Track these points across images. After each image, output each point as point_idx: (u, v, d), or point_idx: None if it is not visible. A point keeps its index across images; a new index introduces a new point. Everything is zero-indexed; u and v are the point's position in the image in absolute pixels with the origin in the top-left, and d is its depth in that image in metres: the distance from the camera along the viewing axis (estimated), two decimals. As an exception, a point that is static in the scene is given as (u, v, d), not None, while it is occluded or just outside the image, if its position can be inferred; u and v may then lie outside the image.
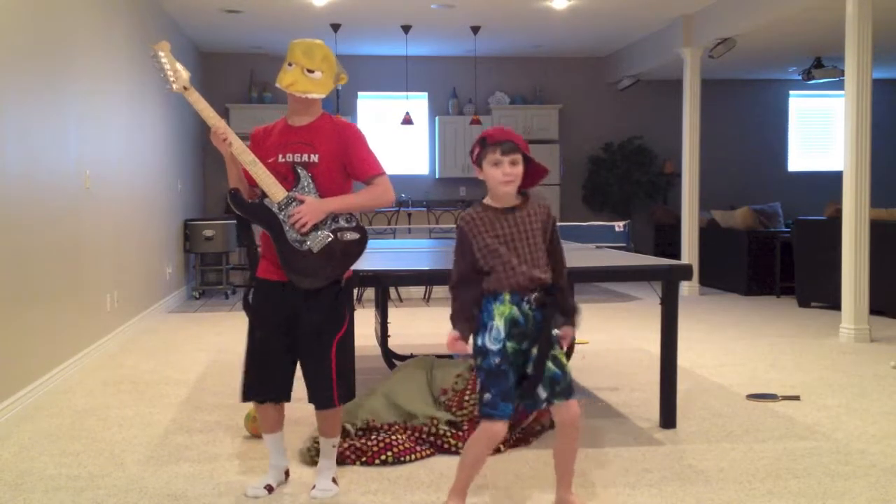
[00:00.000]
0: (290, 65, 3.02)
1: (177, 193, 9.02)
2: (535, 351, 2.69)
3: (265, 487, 3.11)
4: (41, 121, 4.83)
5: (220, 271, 9.66)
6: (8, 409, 4.17)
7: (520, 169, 2.72)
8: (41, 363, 4.73)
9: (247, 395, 3.08)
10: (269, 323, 3.04)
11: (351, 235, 3.02)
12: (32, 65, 4.73)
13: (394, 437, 3.55)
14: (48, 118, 4.95)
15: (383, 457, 3.44)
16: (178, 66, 2.98)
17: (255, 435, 3.81)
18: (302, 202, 2.96)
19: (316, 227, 2.97)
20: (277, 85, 3.02)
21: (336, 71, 3.08)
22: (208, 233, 9.22)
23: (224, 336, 6.67)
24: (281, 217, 2.97)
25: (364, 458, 3.43)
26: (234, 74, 11.04)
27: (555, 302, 2.75)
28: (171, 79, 2.96)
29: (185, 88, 2.98)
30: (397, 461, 3.44)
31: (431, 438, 3.61)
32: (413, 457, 3.49)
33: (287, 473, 3.25)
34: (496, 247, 2.69)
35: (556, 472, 2.86)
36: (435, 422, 3.67)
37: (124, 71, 6.80)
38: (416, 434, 3.62)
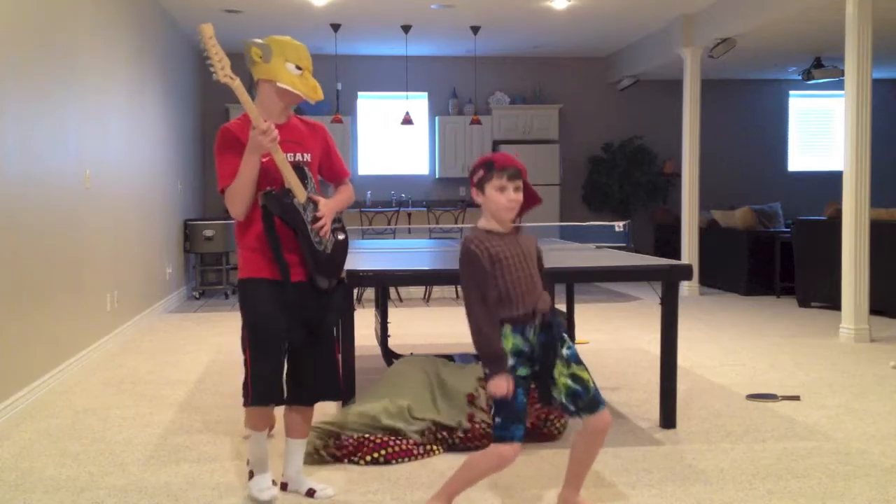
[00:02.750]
0: (298, 68, 2.97)
1: (177, 193, 9.02)
2: (551, 371, 2.72)
3: (273, 482, 3.08)
4: (41, 121, 4.83)
5: (220, 271, 9.66)
6: (8, 409, 4.17)
7: (521, 196, 2.71)
8: (41, 363, 4.73)
9: (262, 399, 2.97)
10: (275, 325, 2.95)
11: (341, 235, 3.09)
12: (32, 65, 4.73)
13: (388, 439, 3.55)
14: (48, 118, 4.95)
15: (375, 454, 3.45)
16: (223, 53, 2.85)
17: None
18: (316, 203, 2.96)
19: None
20: (291, 88, 2.92)
21: None
22: (208, 233, 9.22)
23: (224, 336, 6.66)
24: (304, 217, 2.94)
25: (358, 454, 3.45)
26: (235, 74, 11.01)
27: (559, 323, 2.77)
28: (219, 66, 2.84)
29: (231, 78, 2.86)
30: (387, 462, 3.45)
31: (426, 447, 3.61)
32: (405, 459, 3.49)
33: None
34: (496, 265, 2.65)
35: (569, 473, 2.86)
36: (434, 428, 3.67)
37: (124, 71, 6.80)
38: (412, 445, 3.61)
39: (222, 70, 2.84)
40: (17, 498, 3.13)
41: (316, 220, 2.95)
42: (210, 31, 2.80)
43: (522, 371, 2.67)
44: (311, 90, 2.99)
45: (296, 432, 3.11)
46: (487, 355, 2.62)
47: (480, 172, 2.74)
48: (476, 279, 2.65)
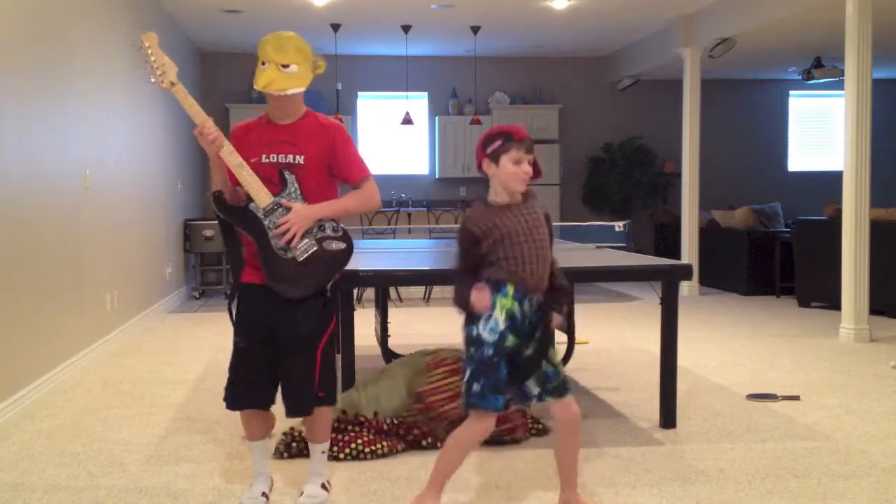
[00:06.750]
0: (263, 63, 2.88)
1: (177, 193, 9.03)
2: (525, 350, 2.69)
3: (262, 495, 3.01)
4: (41, 121, 4.83)
5: (220, 271, 9.66)
6: (8, 409, 4.17)
7: (531, 170, 2.74)
8: (41, 363, 4.73)
9: (234, 404, 2.96)
10: (254, 329, 2.92)
11: (337, 245, 2.90)
12: (32, 65, 4.73)
13: (359, 431, 3.58)
14: (48, 118, 4.95)
15: (347, 450, 3.48)
16: (166, 59, 2.83)
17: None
18: (288, 209, 2.84)
19: (302, 235, 2.86)
20: (255, 87, 2.89)
21: (312, 59, 2.94)
22: (208, 233, 9.22)
23: (224, 336, 6.66)
24: (266, 223, 2.85)
25: (335, 448, 3.46)
26: (234, 74, 11.04)
27: (553, 301, 2.76)
28: (158, 73, 2.81)
29: (173, 84, 2.83)
30: (358, 456, 3.47)
31: (400, 431, 3.63)
32: (377, 448, 3.51)
33: (271, 480, 3.15)
34: (504, 239, 2.66)
35: (560, 472, 2.86)
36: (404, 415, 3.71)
37: (124, 71, 6.80)
38: (387, 424, 3.63)
39: (161, 76, 2.83)
40: (17, 498, 3.13)
41: (279, 226, 2.83)
42: (154, 40, 2.82)
43: (510, 340, 2.66)
44: (263, 84, 2.85)
45: (309, 436, 3.08)
46: (463, 297, 2.67)
47: (498, 142, 2.71)
48: (465, 257, 2.71)
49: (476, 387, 2.66)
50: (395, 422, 3.66)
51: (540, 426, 3.83)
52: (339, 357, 3.51)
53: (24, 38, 4.61)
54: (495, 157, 2.71)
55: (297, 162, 2.91)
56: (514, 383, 2.70)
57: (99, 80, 6.06)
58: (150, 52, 2.81)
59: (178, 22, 9.12)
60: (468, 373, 2.69)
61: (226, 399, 2.97)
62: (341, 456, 3.47)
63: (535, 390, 2.71)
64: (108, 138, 6.28)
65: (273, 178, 2.89)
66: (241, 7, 8.53)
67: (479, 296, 2.63)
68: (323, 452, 3.08)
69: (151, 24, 7.95)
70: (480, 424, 2.70)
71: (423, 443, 3.62)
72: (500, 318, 2.66)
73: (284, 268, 2.85)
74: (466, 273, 2.71)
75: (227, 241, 3.01)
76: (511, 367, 2.69)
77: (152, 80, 2.85)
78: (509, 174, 2.70)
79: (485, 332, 2.66)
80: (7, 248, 4.27)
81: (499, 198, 2.74)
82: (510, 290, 2.67)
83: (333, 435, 3.50)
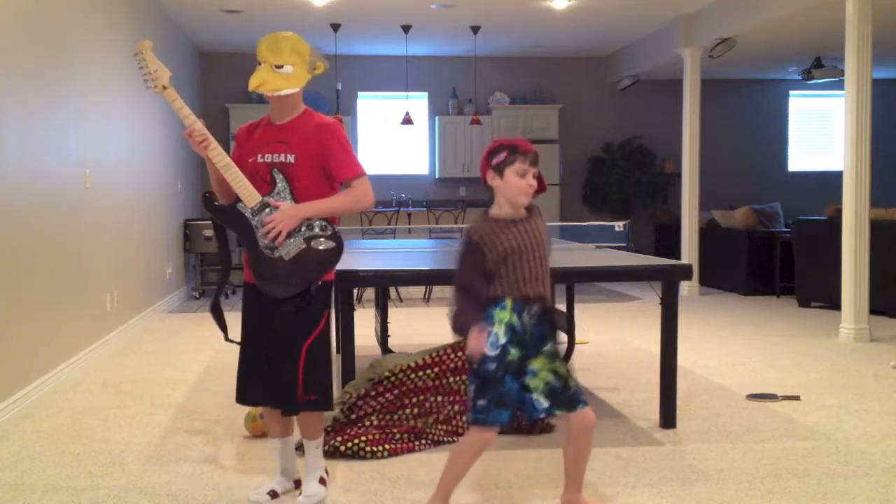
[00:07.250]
0: (259, 64, 2.90)
1: (177, 193, 9.03)
2: (532, 363, 2.68)
3: (269, 493, 3.04)
4: (41, 121, 4.83)
5: (220, 271, 9.64)
6: (8, 409, 4.17)
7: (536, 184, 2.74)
8: (41, 363, 4.73)
9: (238, 398, 3.05)
10: (249, 329, 2.98)
11: (326, 244, 2.89)
12: (32, 65, 4.73)
13: (367, 429, 3.59)
14: (48, 118, 4.95)
15: (350, 444, 3.49)
16: (159, 65, 2.87)
17: (256, 435, 3.81)
18: (275, 208, 2.86)
19: (289, 234, 2.86)
20: (249, 87, 2.90)
21: (309, 60, 2.94)
22: (208, 233, 9.22)
23: (224, 336, 6.66)
24: (253, 222, 2.87)
25: (339, 438, 3.48)
26: (234, 74, 11.04)
27: (553, 314, 2.76)
28: (150, 78, 2.86)
29: (165, 87, 2.87)
30: (358, 453, 3.48)
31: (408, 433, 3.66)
32: (377, 449, 3.51)
33: (298, 483, 3.14)
34: (508, 257, 2.65)
35: (566, 475, 2.85)
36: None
37: (124, 71, 6.79)
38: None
39: (154, 82, 2.87)
40: (17, 498, 3.13)
41: (265, 224, 2.85)
42: (148, 47, 2.88)
43: (514, 353, 2.65)
44: (255, 84, 2.88)
45: (302, 433, 3.08)
46: (464, 325, 2.65)
47: (503, 154, 2.70)
48: (466, 265, 2.68)
49: (481, 402, 2.66)
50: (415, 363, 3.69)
51: (545, 425, 3.85)
52: (338, 357, 3.52)
53: (24, 38, 4.61)
54: (500, 170, 2.70)
55: (287, 161, 2.91)
56: (522, 397, 2.70)
57: (99, 80, 6.06)
58: (143, 58, 2.86)
59: (177, 22, 9.12)
60: (473, 388, 2.68)
61: (235, 392, 3.06)
62: (342, 448, 3.47)
63: (545, 404, 2.69)
64: (108, 138, 6.28)
65: (267, 177, 2.92)
66: (240, 7, 8.53)
67: (477, 343, 2.63)
68: (317, 447, 3.07)
69: (151, 24, 7.95)
70: (482, 437, 2.69)
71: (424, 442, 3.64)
72: (499, 333, 2.65)
73: (271, 267, 2.88)
74: (468, 293, 2.67)
75: (220, 241, 3.08)
76: (519, 384, 2.68)
77: (146, 85, 2.89)
78: (514, 187, 2.69)
79: (486, 347, 2.65)
80: (7, 248, 4.27)
81: (503, 212, 2.72)
82: (508, 303, 2.66)
83: (342, 427, 3.52)
